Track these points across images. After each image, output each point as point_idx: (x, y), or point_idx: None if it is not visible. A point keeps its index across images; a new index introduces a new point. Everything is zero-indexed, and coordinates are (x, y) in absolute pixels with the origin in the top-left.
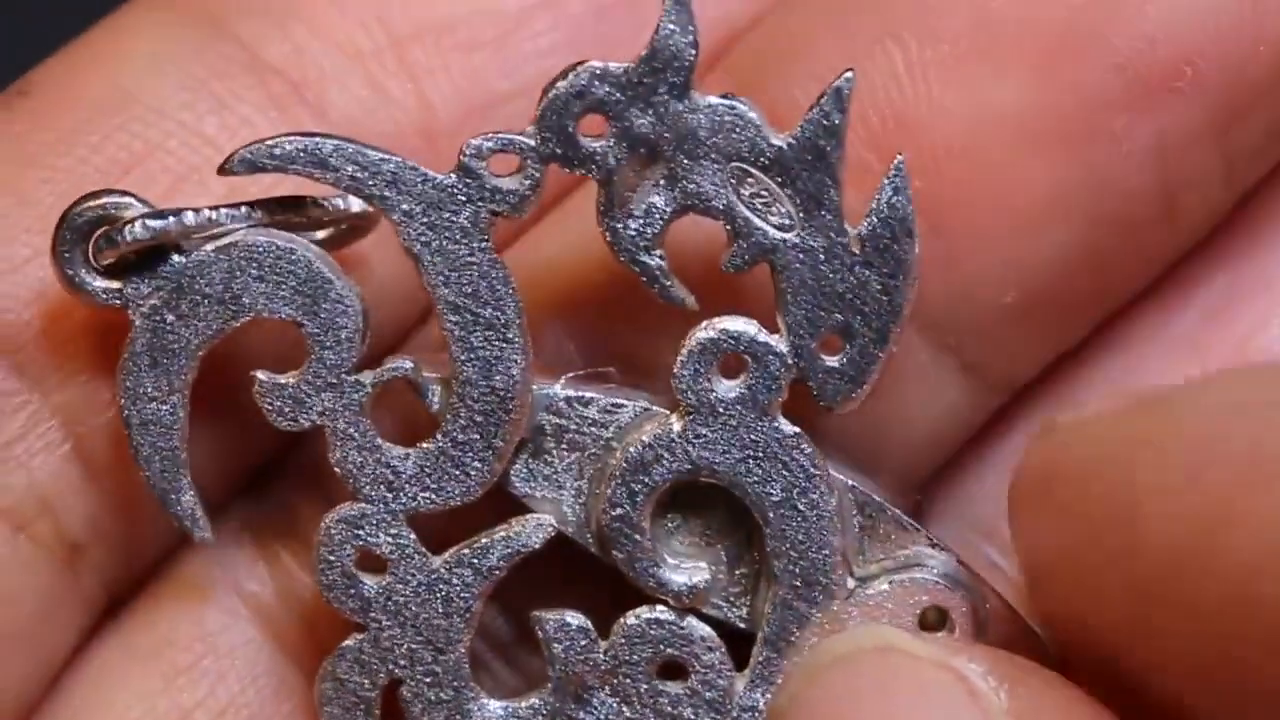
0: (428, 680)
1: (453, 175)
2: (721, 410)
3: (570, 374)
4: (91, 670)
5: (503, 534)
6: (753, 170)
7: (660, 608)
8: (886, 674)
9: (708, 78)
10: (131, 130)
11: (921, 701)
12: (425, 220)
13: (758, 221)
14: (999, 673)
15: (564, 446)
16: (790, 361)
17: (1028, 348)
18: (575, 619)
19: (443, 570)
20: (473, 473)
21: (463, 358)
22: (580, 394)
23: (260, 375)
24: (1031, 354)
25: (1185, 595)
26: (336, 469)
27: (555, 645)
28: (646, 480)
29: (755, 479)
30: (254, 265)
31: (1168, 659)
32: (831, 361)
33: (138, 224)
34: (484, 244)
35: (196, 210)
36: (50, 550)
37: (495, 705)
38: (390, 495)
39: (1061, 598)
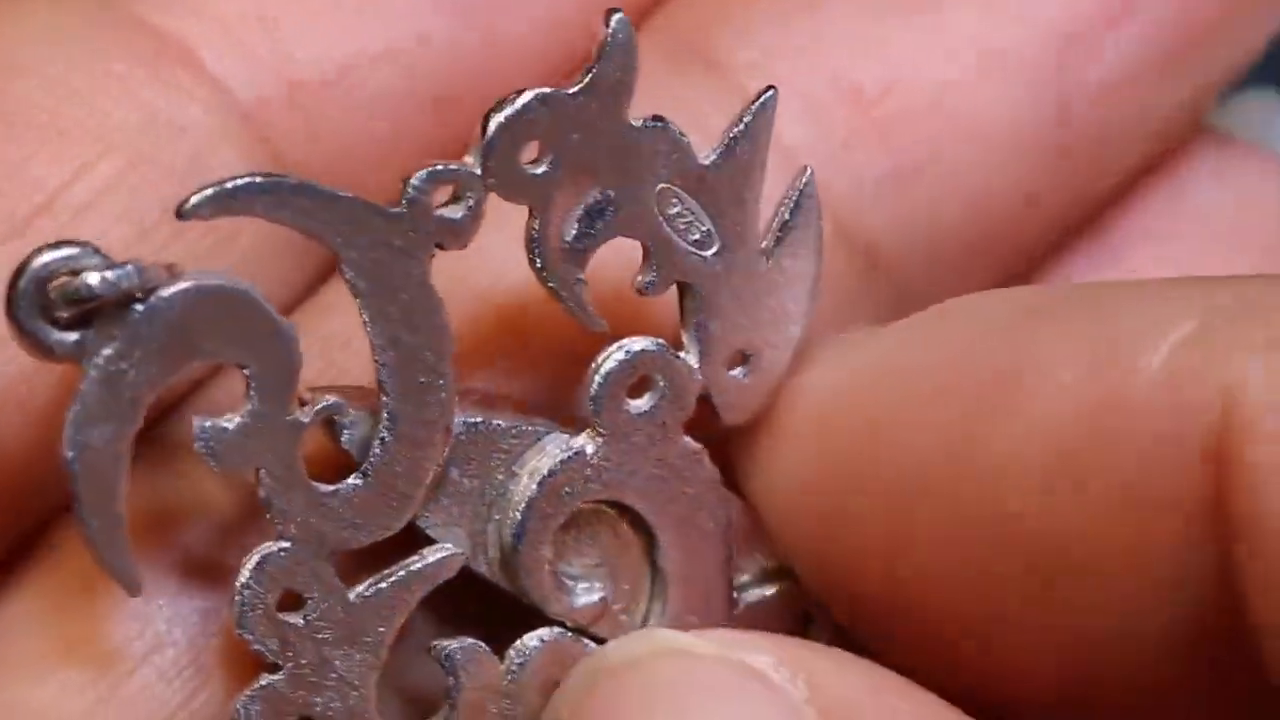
0: (337, 716)
1: (400, 208)
2: (632, 431)
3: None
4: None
5: (417, 566)
6: (679, 192)
7: (556, 629)
8: (674, 677)
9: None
10: (4, 89)
11: (715, 702)
12: (373, 256)
13: (679, 242)
14: (791, 661)
15: (467, 475)
16: (699, 379)
17: (965, 280)
18: (479, 645)
19: (359, 604)
20: (397, 505)
21: (397, 392)
22: (482, 420)
23: (199, 420)
24: (965, 292)
25: (932, 514)
26: (265, 507)
27: (461, 673)
28: (558, 504)
29: (661, 497)
30: (206, 308)
31: (923, 583)
32: (736, 375)
33: (93, 278)
34: (424, 277)
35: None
36: None
37: None
38: (317, 533)
39: (807, 540)
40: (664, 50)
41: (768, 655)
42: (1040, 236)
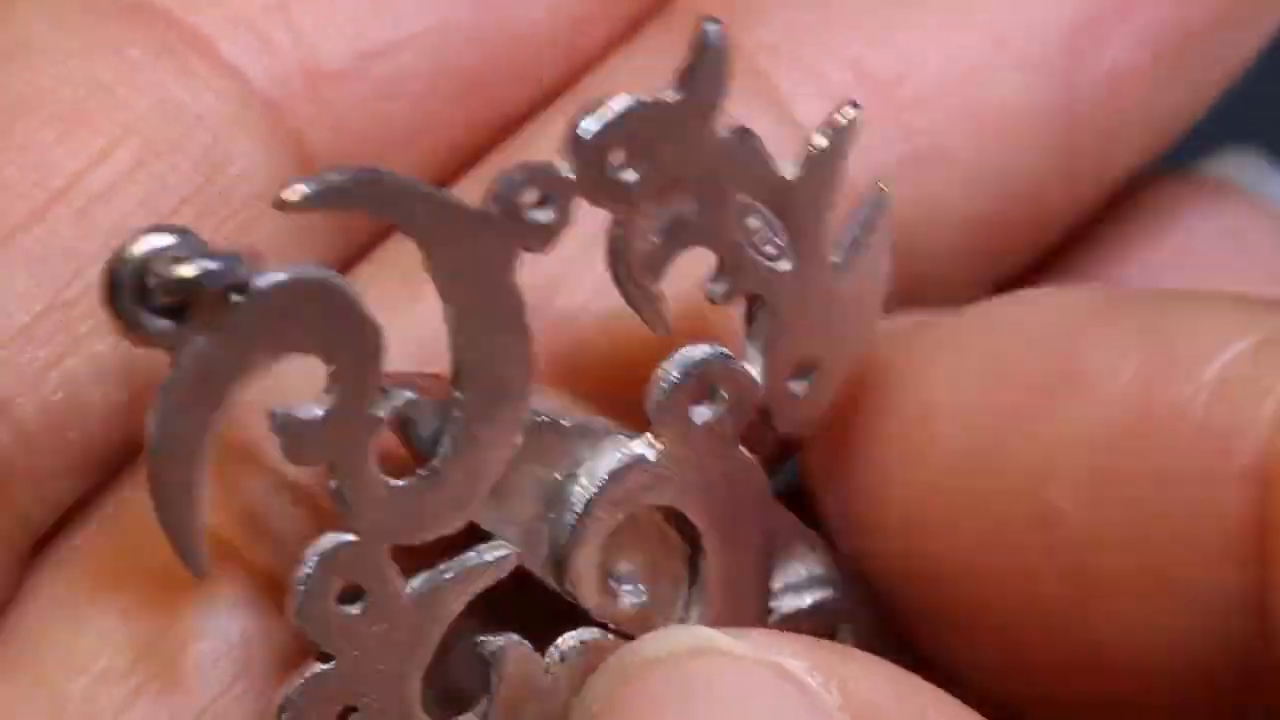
0: (381, 708)
1: (488, 209)
2: (691, 439)
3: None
4: (35, 611)
5: (474, 563)
6: (759, 206)
7: (596, 629)
8: (709, 675)
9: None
10: (22, 77)
11: (748, 702)
12: (460, 254)
13: (753, 254)
14: (824, 666)
15: (527, 472)
16: (761, 390)
17: (969, 270)
18: (524, 643)
19: (415, 599)
20: (460, 504)
21: (473, 392)
22: (547, 418)
23: (278, 409)
24: (970, 279)
25: (972, 503)
26: (332, 497)
27: (503, 670)
28: (614, 508)
29: (712, 506)
30: (301, 300)
31: (959, 572)
32: (796, 388)
33: (193, 269)
34: (509, 279)
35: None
36: None
37: None
38: (382, 528)
39: (859, 523)
40: (681, 33)
41: (802, 659)
42: (1042, 233)
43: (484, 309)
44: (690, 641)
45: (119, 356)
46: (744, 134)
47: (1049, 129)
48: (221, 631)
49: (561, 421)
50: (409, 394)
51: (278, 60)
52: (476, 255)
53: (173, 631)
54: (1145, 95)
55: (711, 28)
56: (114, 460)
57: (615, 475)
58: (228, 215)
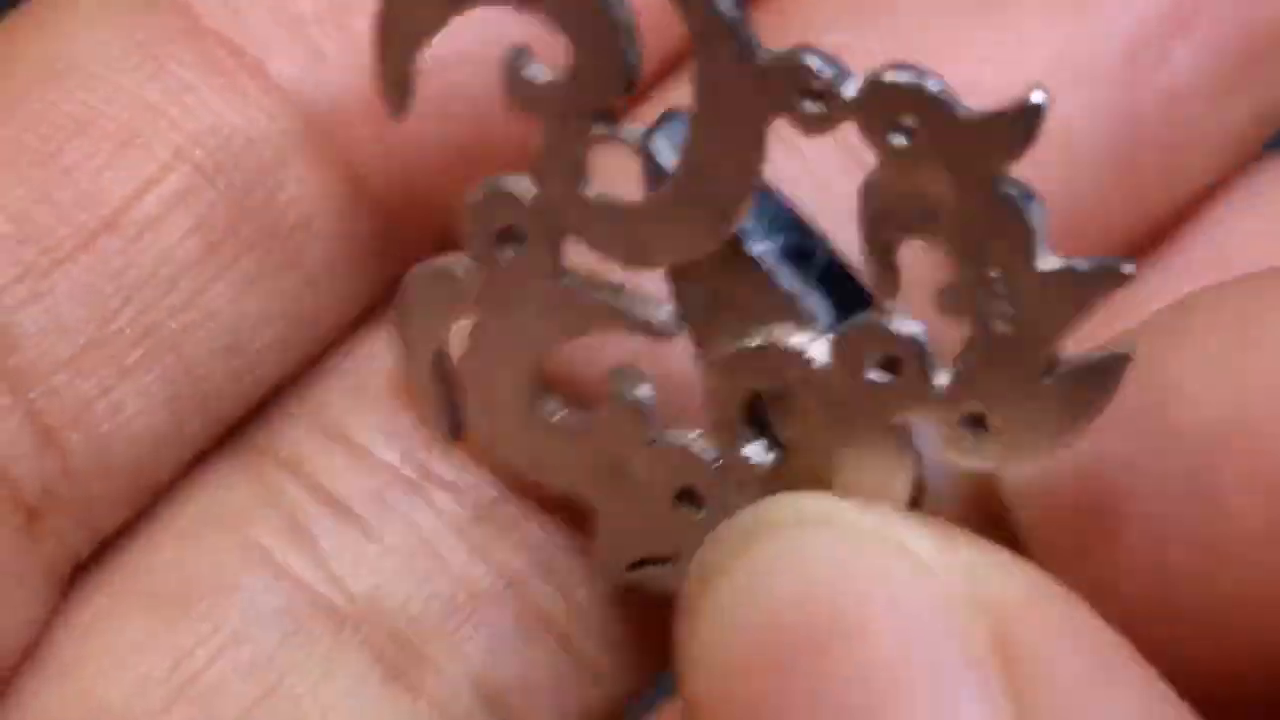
0: (493, 361)
1: (766, 61)
2: (859, 390)
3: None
4: (78, 624)
5: (625, 304)
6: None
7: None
8: (826, 547)
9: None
10: (73, 97)
11: (862, 581)
12: (722, 76)
13: (988, 295)
14: (950, 551)
15: (732, 294)
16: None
17: None
18: (648, 395)
19: (566, 288)
20: (630, 254)
21: (686, 189)
22: (768, 268)
23: (513, 48)
24: None
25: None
26: (534, 157)
27: (619, 407)
28: (757, 374)
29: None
30: None
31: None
32: (964, 430)
33: None
34: (759, 130)
35: None
36: (6, 516)
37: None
38: (564, 216)
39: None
40: None
41: (929, 540)
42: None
43: (724, 129)
44: (815, 509)
45: (166, 386)
46: (1028, 198)
47: (1111, 146)
48: (259, 640)
49: (780, 283)
50: (632, 128)
51: (329, 80)
52: (733, 87)
53: (212, 640)
54: (1210, 110)
55: (1041, 96)
56: (158, 488)
57: (779, 340)
58: (278, 240)
